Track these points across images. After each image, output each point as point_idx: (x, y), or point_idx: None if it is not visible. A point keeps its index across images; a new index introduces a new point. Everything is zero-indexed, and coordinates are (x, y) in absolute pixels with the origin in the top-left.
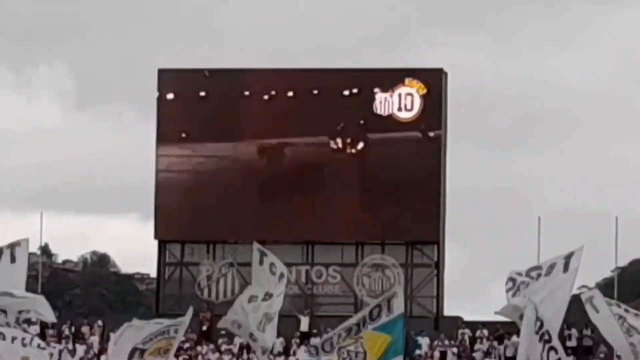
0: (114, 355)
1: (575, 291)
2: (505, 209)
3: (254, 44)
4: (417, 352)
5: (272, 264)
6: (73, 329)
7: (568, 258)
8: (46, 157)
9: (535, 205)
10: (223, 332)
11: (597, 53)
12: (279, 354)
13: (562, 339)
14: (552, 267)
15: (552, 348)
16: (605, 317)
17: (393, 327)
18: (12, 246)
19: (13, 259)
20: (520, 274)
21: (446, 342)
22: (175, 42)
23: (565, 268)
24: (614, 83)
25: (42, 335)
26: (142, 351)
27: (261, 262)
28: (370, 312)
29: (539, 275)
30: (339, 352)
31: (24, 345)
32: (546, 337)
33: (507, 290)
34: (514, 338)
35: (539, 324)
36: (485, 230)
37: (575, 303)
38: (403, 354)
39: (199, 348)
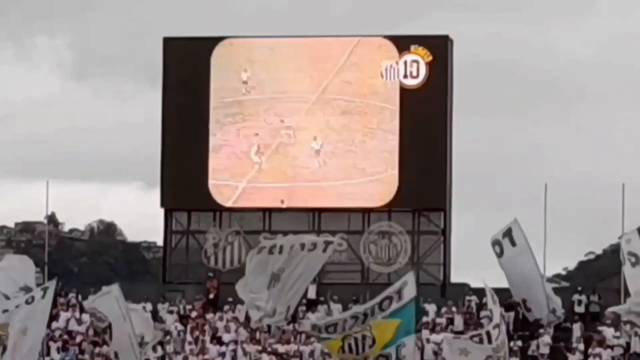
0: None
1: (582, 258)
2: (512, 176)
3: (255, 10)
4: (424, 319)
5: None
6: (80, 297)
7: (508, 234)
8: (50, 127)
9: (542, 173)
10: (230, 299)
11: (607, 19)
12: (287, 323)
13: (570, 305)
14: (498, 245)
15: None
16: None
17: (403, 311)
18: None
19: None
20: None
21: (453, 309)
22: (179, 11)
23: (512, 243)
24: (624, 50)
25: (52, 303)
26: None
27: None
28: (381, 303)
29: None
30: (345, 339)
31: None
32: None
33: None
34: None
35: None
36: (491, 198)
37: (582, 270)
38: (414, 331)
39: (206, 316)
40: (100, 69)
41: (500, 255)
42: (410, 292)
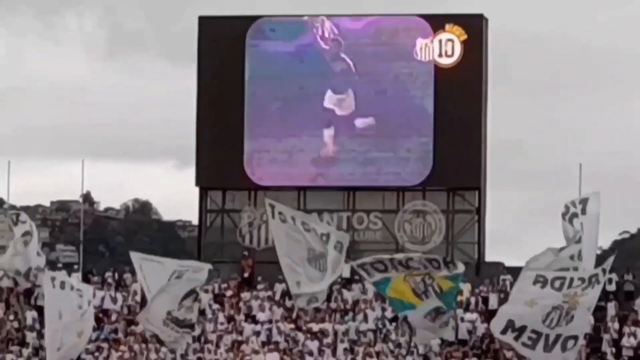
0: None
1: (616, 237)
2: (547, 156)
3: None
4: (459, 297)
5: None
6: (116, 276)
7: (584, 202)
8: (83, 107)
9: (577, 152)
10: (264, 278)
11: None
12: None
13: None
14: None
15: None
16: None
17: (454, 278)
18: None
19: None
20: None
21: (488, 287)
22: None
23: (583, 211)
24: None
25: (87, 282)
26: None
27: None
28: (429, 261)
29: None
30: (409, 279)
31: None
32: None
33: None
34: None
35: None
36: (526, 177)
37: (616, 249)
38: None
39: (241, 295)
40: (130, 48)
41: (565, 214)
42: (460, 267)
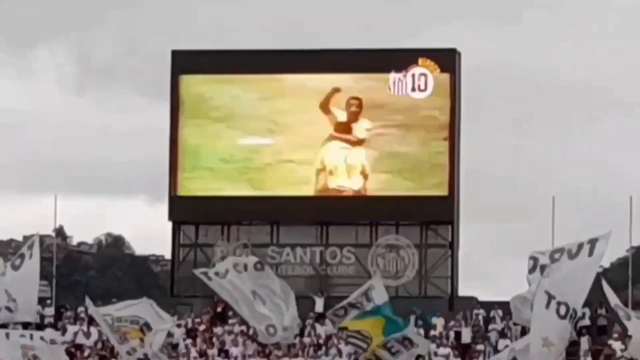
0: None
1: None
2: (520, 189)
3: (261, 23)
4: (432, 332)
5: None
6: (88, 311)
7: (593, 242)
8: (55, 141)
9: (549, 186)
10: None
11: (612, 37)
12: (295, 336)
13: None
14: (579, 249)
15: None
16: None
17: (377, 311)
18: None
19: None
20: (542, 254)
21: (461, 322)
22: (182, 23)
23: (591, 252)
24: (619, 72)
25: (59, 317)
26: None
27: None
28: (346, 310)
29: (560, 256)
30: (340, 333)
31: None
32: (562, 311)
33: (529, 271)
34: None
35: (547, 297)
36: (499, 211)
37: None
38: (403, 329)
39: (214, 330)
40: (100, 81)
41: (573, 257)
42: (380, 295)
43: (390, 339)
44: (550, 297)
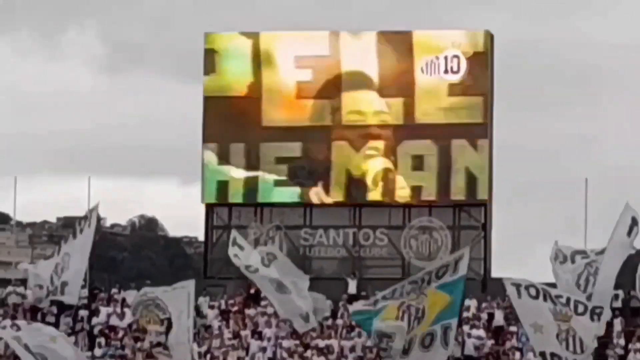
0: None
1: None
2: (553, 171)
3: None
4: (465, 314)
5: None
6: (122, 292)
7: (635, 222)
8: (87, 122)
9: (583, 167)
10: None
11: None
12: (327, 318)
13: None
14: (616, 227)
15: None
16: None
17: (454, 287)
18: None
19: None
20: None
21: (494, 303)
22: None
23: (629, 232)
24: None
25: (93, 298)
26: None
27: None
28: (437, 271)
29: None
30: (400, 306)
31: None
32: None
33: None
34: None
35: (515, 288)
36: (532, 192)
37: (622, 264)
38: (458, 317)
39: (246, 311)
40: (131, 63)
41: (629, 234)
42: (464, 267)
43: (436, 325)
44: (517, 285)
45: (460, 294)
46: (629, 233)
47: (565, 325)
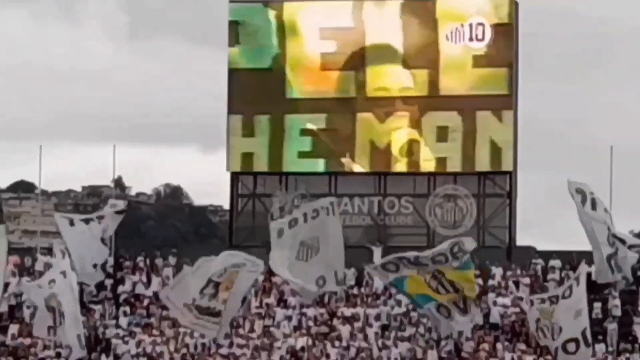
0: (179, 290)
1: None
2: (578, 139)
3: None
4: (490, 282)
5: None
6: (147, 260)
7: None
8: (109, 92)
9: (608, 135)
10: None
11: None
12: (351, 287)
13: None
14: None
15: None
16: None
17: (467, 264)
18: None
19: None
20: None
21: (518, 272)
22: None
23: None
24: None
25: (119, 267)
26: (217, 284)
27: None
28: (434, 258)
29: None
30: (421, 274)
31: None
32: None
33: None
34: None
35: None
36: (557, 160)
37: None
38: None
39: (272, 279)
40: (155, 30)
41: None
42: (471, 244)
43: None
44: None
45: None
46: (585, 205)
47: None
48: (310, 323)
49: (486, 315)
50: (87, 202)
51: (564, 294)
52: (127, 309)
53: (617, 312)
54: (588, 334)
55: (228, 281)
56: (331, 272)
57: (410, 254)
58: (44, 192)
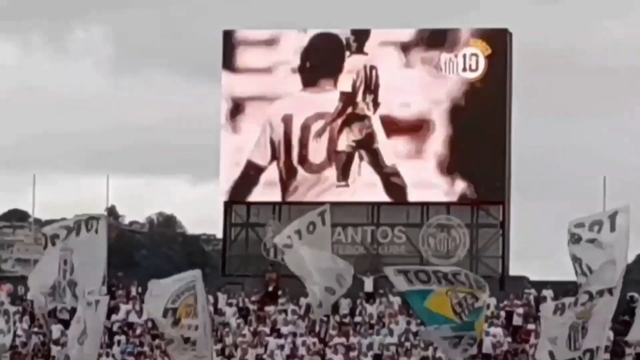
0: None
1: None
2: (571, 169)
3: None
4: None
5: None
6: (140, 289)
7: (613, 217)
8: (102, 122)
9: (601, 166)
10: (289, 291)
11: None
12: (345, 315)
13: (623, 298)
14: (599, 225)
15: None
16: None
17: (477, 315)
18: (91, 220)
19: (95, 231)
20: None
21: (512, 302)
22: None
23: (612, 228)
24: None
25: (112, 297)
26: (174, 310)
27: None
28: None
29: (583, 227)
30: (448, 293)
31: None
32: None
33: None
34: None
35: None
36: (550, 191)
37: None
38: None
39: (265, 308)
40: (140, 62)
41: (592, 240)
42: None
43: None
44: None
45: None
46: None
47: (580, 320)
48: (303, 352)
49: (479, 345)
50: None
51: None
52: (122, 337)
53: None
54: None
55: (186, 306)
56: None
57: (448, 269)
58: (37, 221)
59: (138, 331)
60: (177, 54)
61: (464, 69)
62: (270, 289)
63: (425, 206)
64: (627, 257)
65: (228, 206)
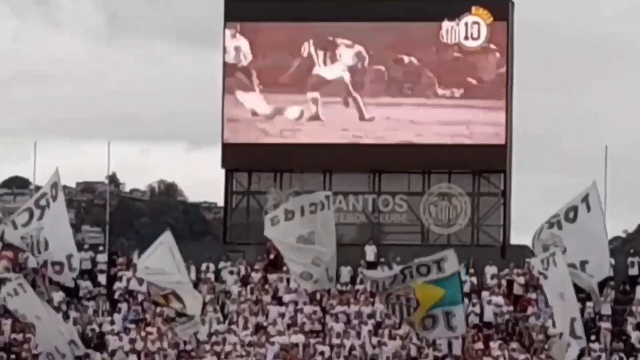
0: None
1: None
2: (573, 138)
3: None
4: (485, 281)
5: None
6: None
7: (585, 199)
8: (96, 89)
9: (603, 134)
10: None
11: None
12: (346, 284)
13: (625, 267)
14: (574, 211)
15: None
16: None
17: (448, 282)
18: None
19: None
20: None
21: (513, 270)
22: None
23: (588, 208)
24: None
25: (112, 264)
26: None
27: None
28: (418, 268)
29: (559, 222)
30: (388, 299)
31: None
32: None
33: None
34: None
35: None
36: (552, 159)
37: None
38: (462, 304)
39: (267, 276)
40: (132, 30)
41: (573, 220)
42: (452, 267)
43: (436, 309)
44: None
45: (456, 287)
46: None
47: None
48: (305, 320)
49: (480, 314)
50: (81, 198)
51: None
52: (124, 305)
53: (608, 310)
54: None
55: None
56: (324, 270)
57: (399, 267)
58: (38, 188)
59: (139, 299)
60: (179, 22)
61: (466, 37)
62: (272, 257)
63: (426, 174)
64: (605, 227)
65: (229, 174)
